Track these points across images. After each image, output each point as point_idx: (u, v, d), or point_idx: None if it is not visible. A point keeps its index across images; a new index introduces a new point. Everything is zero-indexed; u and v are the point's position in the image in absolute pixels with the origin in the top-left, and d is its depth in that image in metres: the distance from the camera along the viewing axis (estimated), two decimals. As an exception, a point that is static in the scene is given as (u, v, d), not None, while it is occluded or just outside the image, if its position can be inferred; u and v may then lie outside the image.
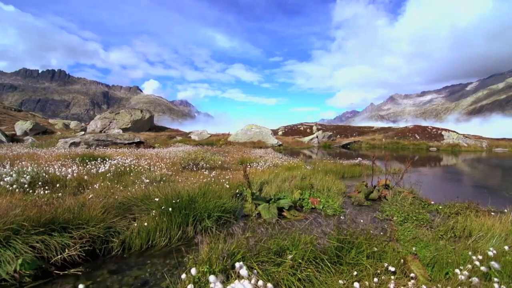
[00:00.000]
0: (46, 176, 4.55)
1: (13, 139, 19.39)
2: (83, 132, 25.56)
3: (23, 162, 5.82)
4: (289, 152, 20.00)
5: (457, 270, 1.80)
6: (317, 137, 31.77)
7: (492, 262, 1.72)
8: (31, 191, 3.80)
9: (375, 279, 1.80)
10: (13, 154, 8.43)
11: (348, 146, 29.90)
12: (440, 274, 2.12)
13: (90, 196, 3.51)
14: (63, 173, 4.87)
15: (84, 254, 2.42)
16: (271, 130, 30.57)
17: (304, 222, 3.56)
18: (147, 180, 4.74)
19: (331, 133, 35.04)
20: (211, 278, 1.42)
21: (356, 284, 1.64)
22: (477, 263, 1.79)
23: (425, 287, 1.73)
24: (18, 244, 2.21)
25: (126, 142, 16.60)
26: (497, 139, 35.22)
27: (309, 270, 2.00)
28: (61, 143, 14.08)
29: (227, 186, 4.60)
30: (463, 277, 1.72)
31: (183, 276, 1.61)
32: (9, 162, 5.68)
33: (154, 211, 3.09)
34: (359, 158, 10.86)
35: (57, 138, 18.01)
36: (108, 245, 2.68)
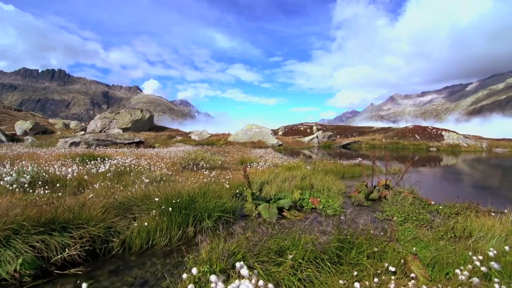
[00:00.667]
0: (46, 175, 4.55)
1: (13, 138, 19.40)
2: (83, 132, 25.56)
3: (23, 162, 5.82)
4: (289, 152, 20.00)
5: (457, 271, 1.80)
6: (317, 137, 31.78)
7: (492, 263, 1.72)
8: (31, 190, 3.80)
9: (376, 279, 1.80)
10: (13, 154, 8.44)
11: (348, 146, 29.91)
12: (440, 274, 2.12)
13: (90, 196, 3.51)
14: (63, 173, 4.87)
15: (84, 254, 2.41)
16: (271, 130, 30.57)
17: (304, 222, 3.56)
18: (147, 180, 4.74)
19: (331, 133, 35.05)
20: (213, 277, 1.42)
21: (356, 284, 1.64)
22: (478, 263, 1.79)
23: (425, 287, 1.73)
24: (18, 243, 2.21)
25: (126, 142, 16.60)
26: (497, 140, 35.24)
27: (309, 270, 2.00)
28: (61, 143, 14.08)
29: (227, 186, 4.60)
30: (463, 277, 1.72)
31: (184, 275, 1.61)
32: (9, 162, 5.68)
33: (154, 211, 3.08)
34: (359, 158, 10.86)
35: (57, 138, 18.02)
36: (108, 245, 2.67)
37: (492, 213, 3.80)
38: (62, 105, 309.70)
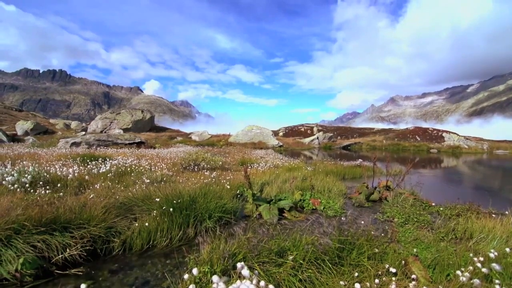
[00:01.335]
0: (47, 176, 4.56)
1: (14, 139, 19.44)
2: (84, 132, 25.61)
3: (24, 162, 5.83)
4: (289, 153, 20.00)
5: (458, 272, 1.80)
6: (317, 138, 31.77)
7: (493, 264, 1.72)
8: (32, 190, 3.81)
9: (376, 280, 1.80)
10: (14, 154, 8.46)
11: (349, 148, 29.89)
12: (441, 275, 2.12)
13: (91, 196, 3.52)
14: (64, 173, 4.88)
15: (85, 254, 2.42)
16: (272, 131, 30.57)
17: (305, 223, 3.56)
18: (148, 181, 4.75)
19: (331, 134, 35.03)
20: (215, 278, 1.42)
21: (357, 285, 1.64)
22: (479, 264, 1.79)
23: (426, 289, 1.73)
24: (19, 243, 2.22)
25: (127, 142, 16.62)
26: (498, 141, 35.15)
27: (310, 271, 1.99)
28: (62, 143, 14.11)
29: (228, 186, 4.60)
30: (464, 279, 1.72)
31: (186, 276, 1.61)
32: (10, 162, 5.70)
33: (155, 211, 3.08)
34: (360, 160, 10.85)
35: (58, 138, 18.06)
36: (109, 245, 2.68)
37: (493, 215, 3.80)
38: (63, 105, 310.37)
